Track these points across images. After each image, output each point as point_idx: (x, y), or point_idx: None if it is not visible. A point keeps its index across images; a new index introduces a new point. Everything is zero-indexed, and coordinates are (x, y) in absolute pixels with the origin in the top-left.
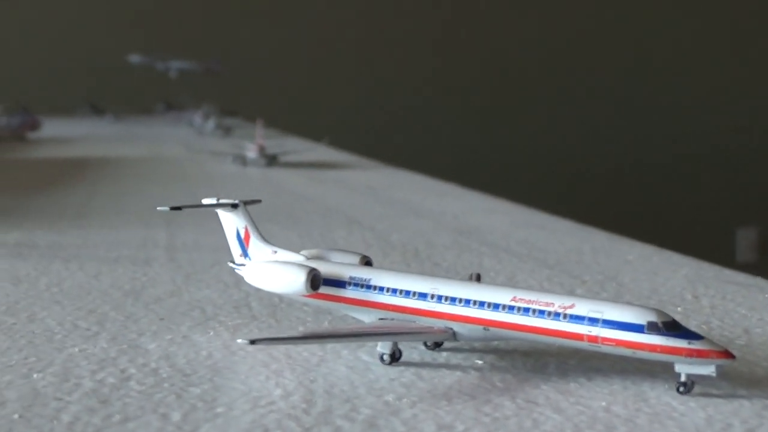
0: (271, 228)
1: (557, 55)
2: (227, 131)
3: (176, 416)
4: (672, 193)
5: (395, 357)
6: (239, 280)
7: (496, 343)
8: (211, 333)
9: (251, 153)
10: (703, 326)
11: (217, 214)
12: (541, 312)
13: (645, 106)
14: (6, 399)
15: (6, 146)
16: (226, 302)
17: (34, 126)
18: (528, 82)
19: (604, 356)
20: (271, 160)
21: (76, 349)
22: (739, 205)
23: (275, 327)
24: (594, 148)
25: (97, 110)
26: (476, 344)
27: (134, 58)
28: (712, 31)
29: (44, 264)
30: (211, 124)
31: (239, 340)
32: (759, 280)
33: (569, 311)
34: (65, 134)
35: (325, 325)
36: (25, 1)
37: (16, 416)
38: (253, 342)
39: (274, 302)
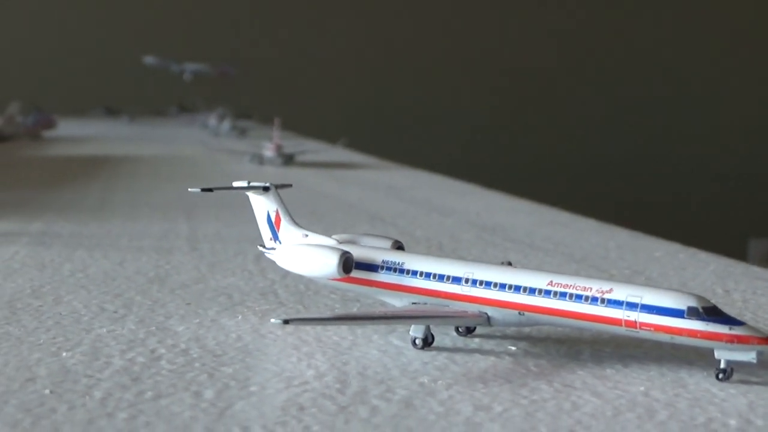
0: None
1: (577, 54)
2: (242, 133)
3: (209, 394)
4: (686, 203)
5: (427, 341)
6: (264, 268)
7: (528, 330)
8: (240, 317)
9: (268, 152)
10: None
11: (241, 204)
12: (579, 296)
13: (666, 113)
14: (36, 375)
15: (22, 144)
16: (252, 289)
17: (49, 125)
18: (548, 82)
19: (640, 344)
20: (288, 160)
21: (104, 330)
22: (753, 216)
23: (303, 313)
24: (608, 152)
25: (112, 111)
26: (509, 330)
27: (149, 60)
28: (733, 36)
29: (68, 252)
30: (226, 125)
31: (272, 320)
32: None
33: (607, 296)
34: (80, 134)
35: (355, 311)
36: (41, 3)
37: (47, 391)
38: (286, 322)
39: (301, 289)
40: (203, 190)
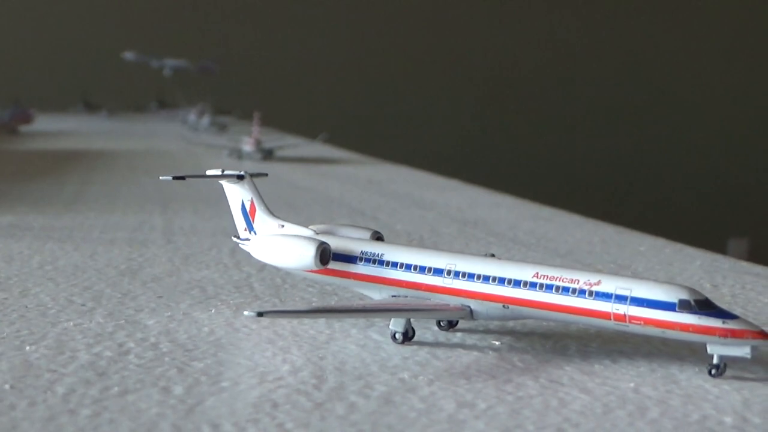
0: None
1: (562, 52)
2: (222, 128)
3: (178, 390)
4: (666, 202)
5: (408, 336)
6: (239, 261)
7: (512, 324)
8: (213, 311)
9: (247, 146)
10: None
11: (218, 197)
12: (566, 289)
13: (646, 113)
14: None
15: None
16: (227, 282)
17: (27, 120)
18: (531, 78)
19: (628, 339)
20: (267, 154)
21: (71, 324)
22: (732, 216)
23: (280, 306)
24: (592, 152)
25: (91, 106)
26: (492, 325)
27: (129, 56)
28: (717, 46)
29: (38, 244)
30: (205, 121)
31: (246, 313)
32: None
33: (595, 288)
34: (58, 129)
35: (332, 304)
36: None
37: (7, 386)
38: (260, 314)
39: (277, 283)
40: (175, 178)
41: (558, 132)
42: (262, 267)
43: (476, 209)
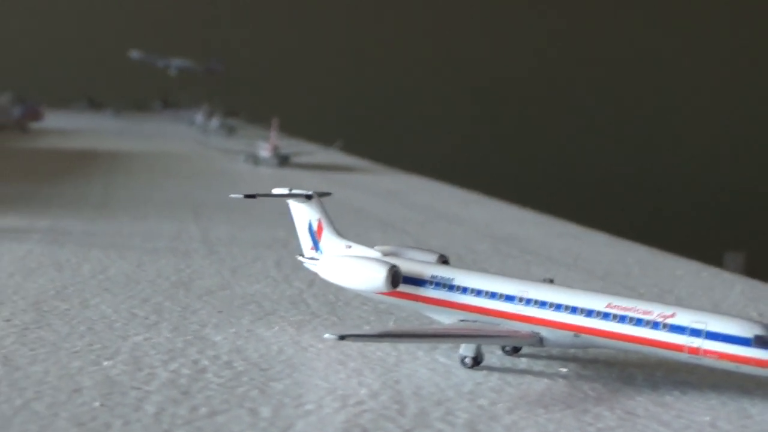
0: None
1: (581, 68)
2: (231, 131)
3: (265, 411)
4: (661, 216)
5: (477, 360)
6: (287, 275)
7: (574, 351)
8: (276, 328)
9: (264, 152)
10: None
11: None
12: (639, 320)
13: (643, 123)
14: (81, 385)
15: (8, 136)
16: (281, 297)
17: (36, 117)
18: (545, 92)
19: (692, 369)
20: (284, 161)
21: (141, 338)
22: (728, 231)
23: (339, 324)
24: (587, 169)
25: (95, 104)
26: (554, 351)
27: (135, 54)
28: (717, 60)
29: (83, 251)
30: (215, 123)
31: (326, 335)
32: None
33: (669, 320)
34: (65, 126)
35: (391, 325)
36: None
37: (96, 404)
38: (342, 338)
39: (330, 300)
40: (246, 196)
41: (549, 140)
42: (312, 282)
43: (503, 225)
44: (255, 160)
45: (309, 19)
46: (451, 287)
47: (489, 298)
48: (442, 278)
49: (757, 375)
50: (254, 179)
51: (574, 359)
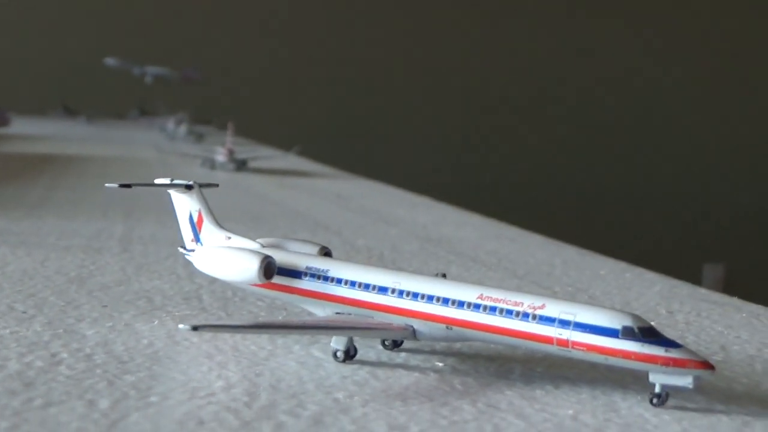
0: (235, 227)
1: (540, 73)
2: (200, 137)
3: (104, 403)
4: (641, 225)
5: (349, 354)
6: (193, 272)
7: (458, 345)
8: (156, 322)
9: (220, 157)
10: (678, 341)
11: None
12: (509, 312)
13: (621, 140)
14: None
15: None
16: (176, 293)
17: (3, 122)
18: (505, 101)
19: (574, 364)
20: (241, 165)
21: (7, 331)
22: (707, 242)
23: (226, 320)
24: (568, 173)
25: (70, 112)
26: (437, 345)
27: (110, 62)
28: (699, 72)
29: None
30: (182, 129)
31: (180, 326)
32: (735, 300)
33: (539, 312)
34: (34, 133)
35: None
36: (4, 1)
37: None
38: (195, 328)
39: (227, 295)
40: (121, 185)
41: (534, 152)
42: (215, 279)
43: (441, 227)
44: (212, 164)
45: (282, 27)
46: (326, 278)
47: (363, 289)
48: (317, 269)
49: (627, 368)
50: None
51: (455, 354)
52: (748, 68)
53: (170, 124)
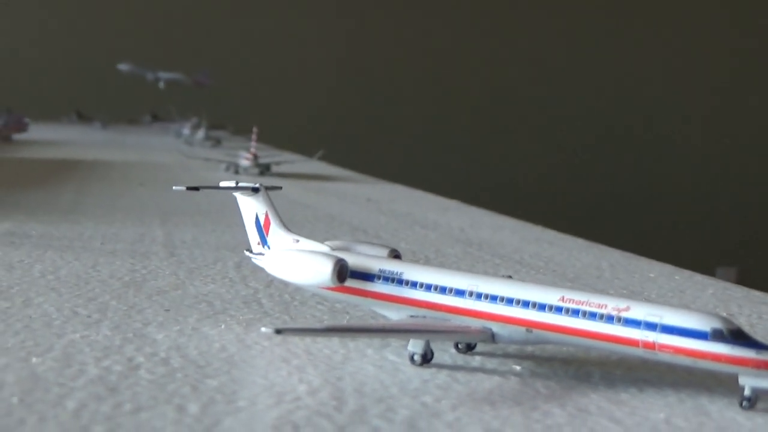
0: None
1: (561, 79)
2: (217, 143)
3: (193, 408)
4: (653, 231)
5: (426, 358)
6: (246, 276)
7: (531, 348)
8: (223, 326)
9: (245, 161)
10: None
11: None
12: (593, 314)
13: (634, 144)
14: (3, 382)
15: None
16: (235, 297)
17: (20, 128)
18: (531, 104)
19: (653, 367)
20: (264, 169)
21: (78, 336)
22: (720, 245)
23: (290, 323)
24: (578, 183)
25: (84, 117)
26: (511, 348)
27: (123, 67)
28: (703, 78)
29: (38, 253)
30: (200, 135)
31: (263, 329)
32: None
33: (624, 314)
34: (52, 138)
35: (343, 323)
36: (18, 7)
37: (15, 400)
38: (279, 331)
39: (286, 299)
40: (189, 188)
41: (550, 154)
42: (270, 282)
43: (479, 230)
44: (236, 169)
45: (298, 31)
46: (400, 282)
47: (439, 292)
48: (390, 272)
49: (716, 371)
50: None
51: (530, 357)
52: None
53: (186, 130)
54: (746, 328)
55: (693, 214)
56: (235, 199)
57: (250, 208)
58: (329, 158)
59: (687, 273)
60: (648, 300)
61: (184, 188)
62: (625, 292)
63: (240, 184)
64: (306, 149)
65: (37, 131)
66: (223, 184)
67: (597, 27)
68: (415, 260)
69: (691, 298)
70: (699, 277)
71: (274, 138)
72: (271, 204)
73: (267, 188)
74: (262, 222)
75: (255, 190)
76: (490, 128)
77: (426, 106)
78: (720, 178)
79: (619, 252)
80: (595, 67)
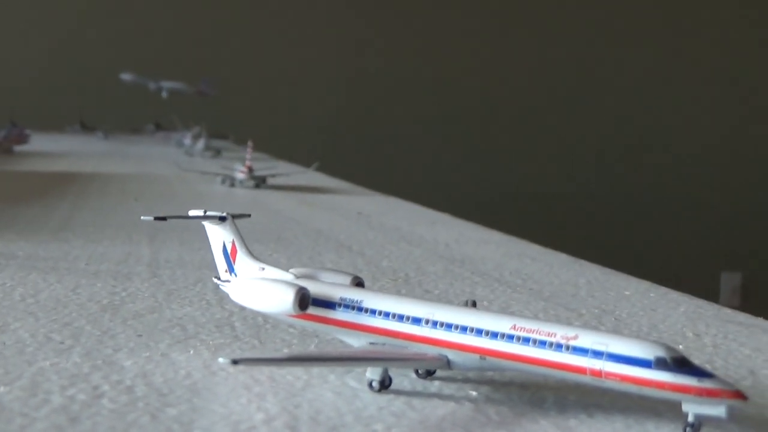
0: (259, 249)
1: (551, 90)
2: (217, 153)
3: None
4: (658, 236)
5: (384, 384)
6: (223, 298)
7: (491, 373)
8: (191, 352)
9: (240, 174)
10: (707, 365)
11: (203, 228)
12: (542, 342)
13: (634, 151)
14: None
15: None
16: (209, 321)
17: (21, 139)
18: (523, 116)
19: (605, 392)
20: (260, 182)
21: (48, 363)
22: (725, 251)
23: (259, 348)
24: (583, 190)
25: (87, 127)
26: (470, 374)
27: (126, 77)
28: (705, 77)
29: (21, 275)
30: (200, 145)
31: (220, 360)
32: (761, 321)
33: (572, 342)
34: (53, 149)
35: (312, 348)
36: (19, 17)
37: None
38: (235, 362)
39: (259, 322)
40: (156, 218)
41: (549, 166)
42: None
43: (464, 246)
44: (231, 181)
45: (299, 42)
46: (360, 309)
47: (396, 320)
48: (351, 300)
49: (662, 398)
50: (230, 201)
51: (488, 382)
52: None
53: (187, 140)
54: (710, 349)
55: (698, 219)
56: (204, 227)
57: (218, 236)
58: (325, 169)
59: (663, 290)
60: (618, 319)
61: (152, 218)
62: (596, 311)
63: (207, 213)
64: (306, 158)
65: (39, 142)
66: (191, 212)
67: (590, 49)
68: (394, 279)
69: (662, 317)
70: (674, 295)
71: (274, 147)
72: (238, 232)
73: (234, 216)
74: (229, 250)
75: (222, 219)
76: (486, 139)
77: (423, 114)
78: (724, 182)
79: (599, 268)
80: (588, 78)
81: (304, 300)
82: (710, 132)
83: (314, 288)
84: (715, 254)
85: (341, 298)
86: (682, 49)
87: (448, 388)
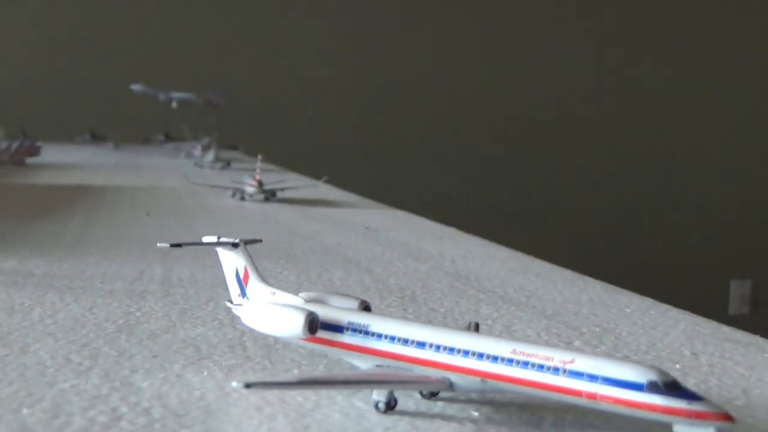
0: (269, 266)
1: (558, 106)
2: (227, 164)
3: None
4: (667, 244)
5: (390, 405)
6: (234, 318)
7: (492, 395)
8: (205, 373)
9: (250, 188)
10: (702, 385)
11: (215, 251)
12: (540, 366)
13: (641, 158)
14: None
15: (3, 171)
16: (221, 341)
17: (33, 151)
18: (529, 131)
19: (601, 413)
20: (270, 196)
21: (68, 385)
22: (733, 258)
23: (269, 368)
24: (590, 199)
25: (97, 138)
26: (472, 396)
27: (136, 88)
28: (709, 85)
29: (39, 294)
30: (210, 156)
31: (234, 384)
32: (758, 339)
33: (569, 366)
34: (64, 161)
35: (321, 369)
36: (28, 27)
37: None
38: (248, 386)
39: (269, 343)
40: (172, 245)
41: (555, 182)
42: None
43: (469, 262)
44: (241, 195)
45: (307, 53)
46: (366, 333)
47: (401, 344)
48: (358, 324)
49: (654, 420)
50: (239, 215)
51: (489, 403)
52: None
53: (197, 151)
54: (705, 368)
55: (706, 227)
56: (217, 252)
57: (231, 262)
58: (335, 182)
59: (663, 307)
60: (618, 338)
61: (167, 245)
62: (597, 329)
63: (221, 240)
64: (316, 170)
65: (50, 153)
66: (205, 239)
67: (595, 62)
68: (401, 298)
69: (661, 335)
70: (674, 312)
71: (284, 158)
72: (250, 258)
73: (246, 242)
74: (241, 275)
75: (235, 245)
76: (496, 150)
77: (435, 123)
78: (731, 190)
79: (601, 284)
80: (595, 87)
81: (313, 324)
82: (722, 138)
83: (323, 312)
84: (724, 262)
85: (349, 322)
86: (700, 58)
87: (451, 409)
